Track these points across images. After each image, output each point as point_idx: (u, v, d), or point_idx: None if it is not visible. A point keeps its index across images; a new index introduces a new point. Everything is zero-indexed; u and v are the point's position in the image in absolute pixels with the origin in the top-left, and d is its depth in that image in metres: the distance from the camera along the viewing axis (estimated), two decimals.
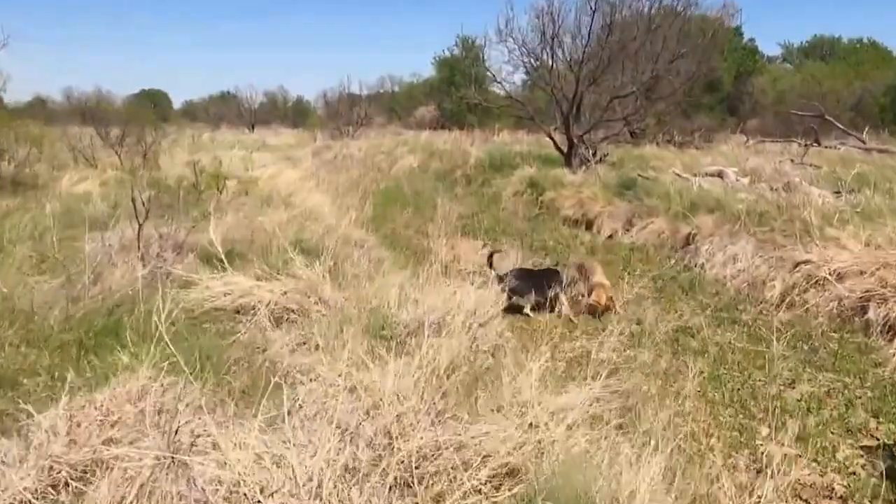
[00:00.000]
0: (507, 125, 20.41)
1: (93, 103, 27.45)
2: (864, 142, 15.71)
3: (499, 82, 12.69)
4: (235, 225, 6.48)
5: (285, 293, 3.97)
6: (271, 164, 13.41)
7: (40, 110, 27.36)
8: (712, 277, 6.85)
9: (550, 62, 11.59)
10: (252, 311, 3.89)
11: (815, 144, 14.32)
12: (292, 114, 34.54)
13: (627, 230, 8.61)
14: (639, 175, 9.26)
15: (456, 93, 20.01)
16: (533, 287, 5.35)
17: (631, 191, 8.92)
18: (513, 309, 5.34)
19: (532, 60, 11.87)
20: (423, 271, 4.96)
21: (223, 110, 33.70)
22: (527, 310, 5.35)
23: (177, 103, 46.12)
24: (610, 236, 8.70)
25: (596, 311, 5.46)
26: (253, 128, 30.16)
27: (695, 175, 9.23)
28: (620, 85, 11.75)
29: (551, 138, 11.86)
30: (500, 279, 5.26)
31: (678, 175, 9.13)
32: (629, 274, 7.32)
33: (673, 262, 7.41)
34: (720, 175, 9.28)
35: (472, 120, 22.84)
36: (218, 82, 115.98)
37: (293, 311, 3.93)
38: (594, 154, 11.24)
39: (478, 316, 3.90)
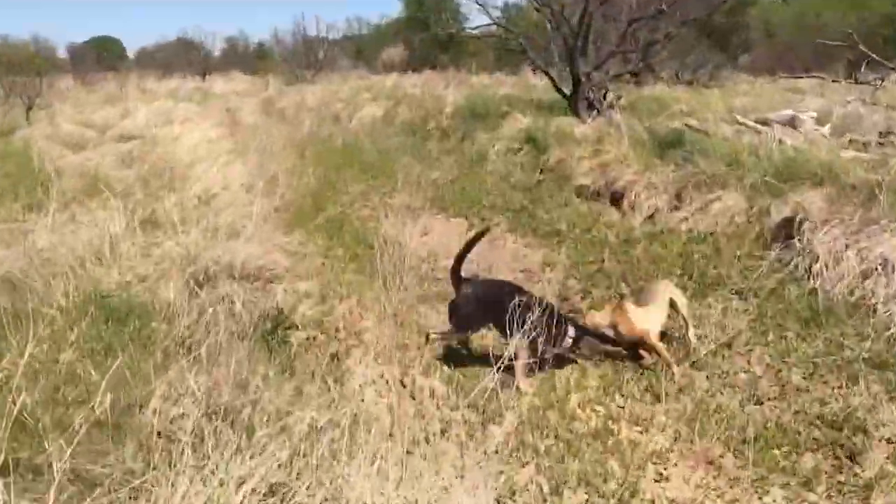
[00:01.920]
0: (485, 65, 16.39)
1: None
2: None
3: (480, 5, 8.98)
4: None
5: None
6: (195, 117, 9.67)
7: None
8: (843, 297, 3.88)
9: None
10: None
11: (850, 80, 11.08)
12: (253, 60, 29.29)
13: (677, 208, 5.50)
14: (685, 125, 6.03)
15: (426, 29, 15.88)
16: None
17: (678, 149, 5.74)
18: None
19: None
20: None
21: (174, 57, 28.30)
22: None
23: (132, 52, 40.02)
24: (650, 217, 5.59)
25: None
26: (205, 76, 25.17)
27: (762, 123, 6.03)
28: (639, 3, 8.22)
29: (549, 77, 8.38)
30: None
31: (742, 124, 5.91)
32: (694, 282, 4.32)
33: (765, 265, 4.39)
34: (792, 124, 6.11)
35: (444, 60, 18.70)
36: (175, 27, 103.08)
37: None
38: (605, 97, 7.88)
39: None
